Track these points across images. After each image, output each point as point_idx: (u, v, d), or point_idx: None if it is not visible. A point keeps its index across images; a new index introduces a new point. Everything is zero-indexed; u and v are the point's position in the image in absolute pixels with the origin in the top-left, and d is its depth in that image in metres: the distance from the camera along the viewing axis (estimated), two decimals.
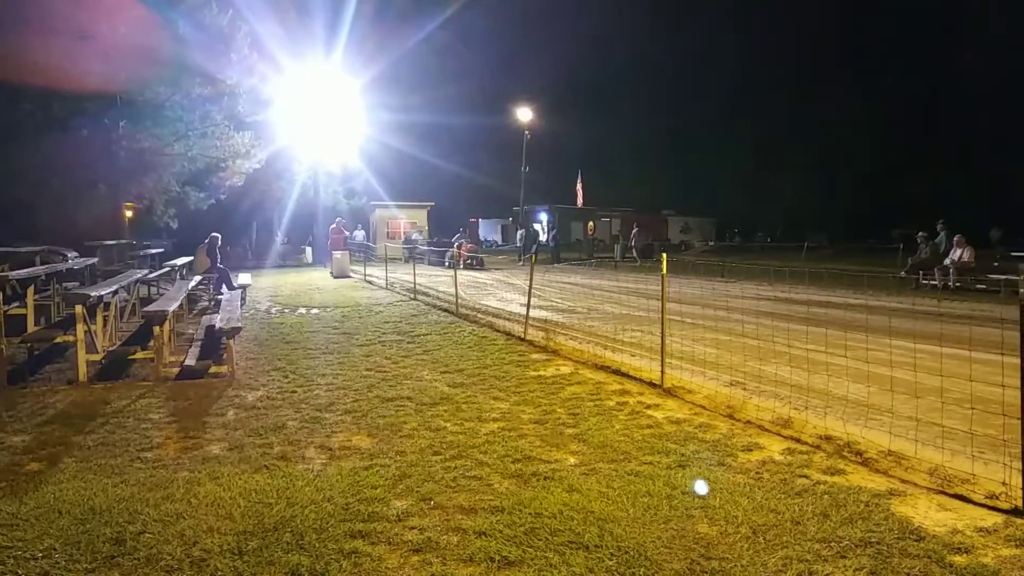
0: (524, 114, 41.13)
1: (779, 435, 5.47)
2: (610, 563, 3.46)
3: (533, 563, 3.47)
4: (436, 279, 20.34)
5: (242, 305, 13.11)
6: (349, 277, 23.26)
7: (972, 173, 40.84)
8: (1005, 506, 4.04)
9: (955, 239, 18.84)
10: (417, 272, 18.49)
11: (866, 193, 45.66)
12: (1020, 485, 4.00)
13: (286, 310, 14.10)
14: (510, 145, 42.78)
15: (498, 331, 10.82)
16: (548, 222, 40.42)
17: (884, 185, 45.51)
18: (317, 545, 3.68)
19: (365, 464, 4.92)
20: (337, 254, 24.75)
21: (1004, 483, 4.21)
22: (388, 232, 36.40)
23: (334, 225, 28.71)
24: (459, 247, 27.82)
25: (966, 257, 18.36)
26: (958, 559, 3.44)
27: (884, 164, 46.59)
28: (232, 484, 4.53)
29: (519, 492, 4.37)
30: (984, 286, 17.26)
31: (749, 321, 12.27)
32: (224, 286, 15.24)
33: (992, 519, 3.90)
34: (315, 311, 13.86)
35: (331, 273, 24.13)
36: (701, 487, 4.38)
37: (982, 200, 35.83)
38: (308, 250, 33.80)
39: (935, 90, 45.04)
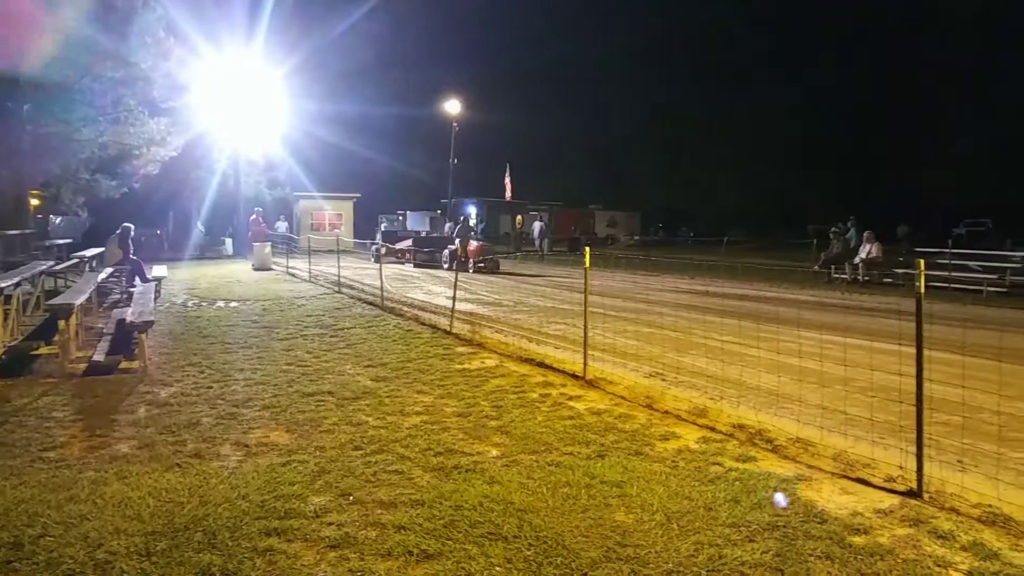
0: (452, 106, 40.87)
1: (695, 424, 5.63)
2: (528, 553, 3.49)
3: (452, 555, 3.47)
4: (363, 272, 20.04)
5: (156, 298, 12.62)
6: (271, 270, 22.69)
7: (882, 173, 42.87)
8: (901, 488, 4.26)
9: (864, 235, 19.72)
10: (406, 275, 18.17)
11: (784, 190, 47.33)
12: (915, 468, 4.23)
13: (203, 303, 13.65)
14: (438, 137, 42.52)
15: (424, 324, 10.76)
16: (476, 215, 40.38)
17: (801, 183, 47.25)
18: (230, 544, 3.58)
19: (283, 460, 4.82)
20: (258, 246, 24.10)
21: (901, 467, 4.45)
22: (313, 223, 35.67)
23: (253, 216, 27.92)
24: (463, 243, 22.82)
25: (874, 252, 19.23)
26: (857, 539, 3.62)
27: (801, 163, 48.40)
28: (141, 483, 4.37)
29: (440, 485, 4.36)
30: (890, 280, 18.14)
31: (670, 314, 12.58)
32: (137, 278, 14.63)
33: (889, 501, 4.11)
34: (234, 304, 13.47)
35: (252, 265, 23.48)
36: (780, 499, 4.09)
37: (890, 199, 37.64)
38: (228, 242, 32.79)
39: (852, 94, 47.06)
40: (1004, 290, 15.96)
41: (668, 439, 5.26)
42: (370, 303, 13.35)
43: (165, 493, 4.22)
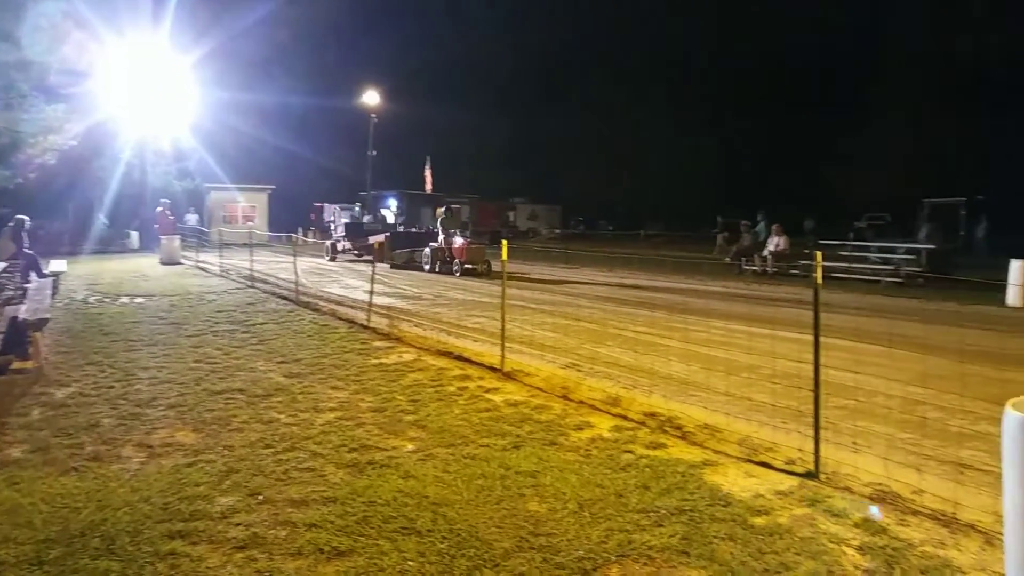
0: (371, 97, 40.31)
1: (609, 413, 5.74)
2: (441, 546, 3.49)
3: (364, 552, 3.43)
4: (277, 266, 19.53)
5: (54, 294, 11.96)
6: (180, 264, 21.85)
7: (791, 169, 44.53)
8: (800, 470, 4.46)
9: (773, 228, 20.51)
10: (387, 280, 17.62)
11: (699, 185, 48.68)
12: (813, 451, 4.43)
13: (106, 299, 13.03)
14: (357, 129, 41.83)
15: (340, 319, 10.58)
16: (397, 208, 39.92)
17: (715, 178, 48.69)
18: (130, 549, 3.44)
19: (188, 461, 4.65)
20: (166, 239, 23.15)
21: (800, 450, 4.65)
22: (225, 216, 34.53)
23: (160, 208, 26.82)
24: (447, 240, 19.34)
25: (782, 245, 20.02)
26: (758, 520, 3.77)
27: (715, 159, 49.85)
28: (33, 489, 4.15)
29: (353, 482, 4.31)
30: (796, 271, 18.93)
31: (588, 306, 12.77)
32: (32, 273, 13.83)
33: (789, 483, 4.30)
34: (140, 300, 12.91)
35: (160, 260, 22.54)
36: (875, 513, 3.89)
37: (798, 194, 39.20)
38: (134, 235, 31.36)
39: (762, 93, 48.69)
40: (900, 280, 16.86)
41: (582, 429, 5.34)
42: (285, 298, 13.03)
43: (60, 499, 4.02)
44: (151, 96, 28.47)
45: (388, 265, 20.89)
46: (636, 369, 7.25)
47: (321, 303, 12.29)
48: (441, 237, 19.62)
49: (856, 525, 3.70)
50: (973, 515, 3.74)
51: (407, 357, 7.89)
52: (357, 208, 28.80)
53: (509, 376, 6.96)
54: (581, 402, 6.07)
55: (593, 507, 3.94)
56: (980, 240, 27.39)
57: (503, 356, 7.23)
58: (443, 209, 21.84)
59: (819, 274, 4.52)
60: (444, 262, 19.22)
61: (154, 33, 28.06)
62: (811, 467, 4.41)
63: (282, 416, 5.67)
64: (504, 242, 7.81)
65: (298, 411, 5.81)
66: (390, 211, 37.72)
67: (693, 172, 48.64)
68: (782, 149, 46.10)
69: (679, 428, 5.31)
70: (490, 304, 12.29)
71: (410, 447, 4.97)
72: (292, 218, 36.94)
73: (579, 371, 7.32)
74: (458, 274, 18.35)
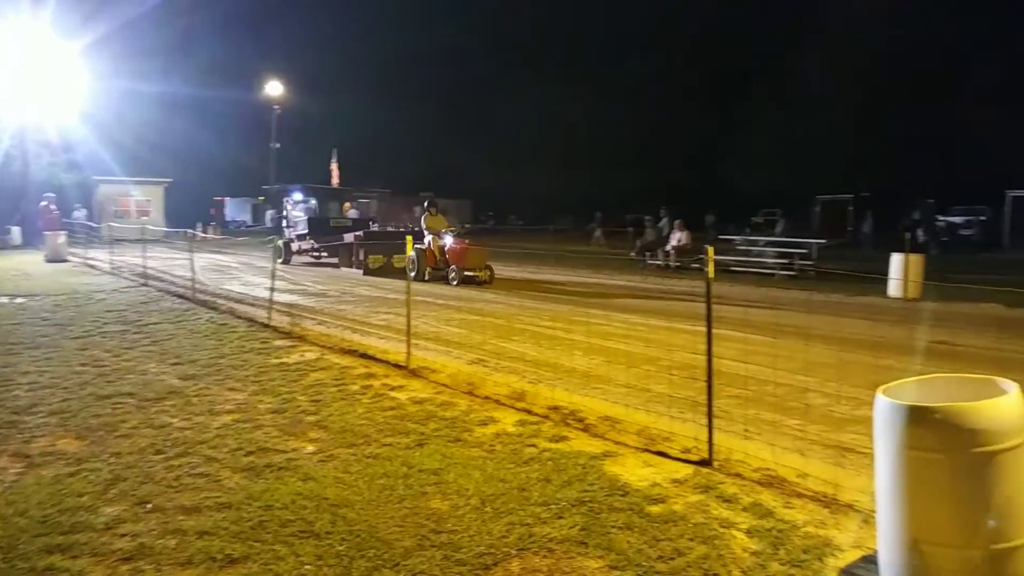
0: (274, 88, 39.14)
1: (514, 408, 5.78)
2: (340, 548, 3.43)
3: (259, 558, 3.33)
4: (173, 263, 18.68)
5: None
6: (66, 261, 20.64)
7: (692, 168, 46.04)
8: (695, 458, 4.62)
9: (675, 223, 21.15)
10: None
11: (606, 180, 49.65)
12: (707, 439, 4.60)
13: None
14: (261, 121, 40.54)
15: (240, 317, 10.24)
16: (303, 202, 38.95)
17: (621, 174, 49.75)
18: (2, 566, 3.22)
19: (71, 470, 4.40)
20: (51, 235, 21.80)
21: (695, 439, 4.81)
22: (117, 210, 32.81)
23: (44, 203, 25.24)
24: (437, 242, 16.18)
25: (684, 240, 20.67)
26: (654, 508, 3.88)
27: (621, 155, 50.93)
28: None
29: (250, 486, 4.17)
30: (698, 265, 19.58)
31: (495, 301, 12.84)
32: None
33: (684, 471, 4.44)
34: (20, 300, 12.11)
35: (44, 257, 21.21)
36: None
37: (700, 189, 40.55)
38: (15, 230, 29.39)
39: (666, 90, 50.01)
40: (793, 273, 17.71)
41: (487, 424, 5.36)
42: (180, 296, 12.50)
43: None
44: (33, 83, 26.72)
45: (360, 271, 18.04)
46: (541, 363, 7.34)
47: (219, 301, 11.86)
48: (428, 238, 16.25)
49: (745, 509, 3.86)
50: (852, 496, 3.96)
51: (309, 356, 7.71)
52: (313, 201, 24.68)
53: (415, 373, 6.90)
54: (487, 398, 6.09)
55: (495, 502, 3.96)
56: (866, 234, 29.11)
57: (409, 353, 7.17)
58: (347, 204, 21.05)
59: (711, 268, 4.68)
60: (435, 268, 16.10)
61: (35, 15, 26.34)
62: (705, 455, 4.57)
63: (175, 420, 5.44)
64: (409, 239, 7.74)
65: (192, 414, 5.58)
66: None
67: (602, 168, 49.58)
68: (686, 146, 47.58)
69: (581, 421, 5.41)
70: (397, 301, 12.14)
71: (310, 448, 4.86)
72: (192, 213, 35.51)
73: (485, 367, 7.34)
74: (455, 283, 15.23)
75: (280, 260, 20.43)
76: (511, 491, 4.11)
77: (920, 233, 26.62)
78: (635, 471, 4.44)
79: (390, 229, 20.85)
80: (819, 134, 38.86)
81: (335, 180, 36.33)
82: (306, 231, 21.55)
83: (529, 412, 5.66)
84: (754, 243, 20.76)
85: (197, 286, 12.79)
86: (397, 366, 7.14)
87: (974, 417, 2.79)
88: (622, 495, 4.05)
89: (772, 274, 17.97)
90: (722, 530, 3.63)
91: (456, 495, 4.06)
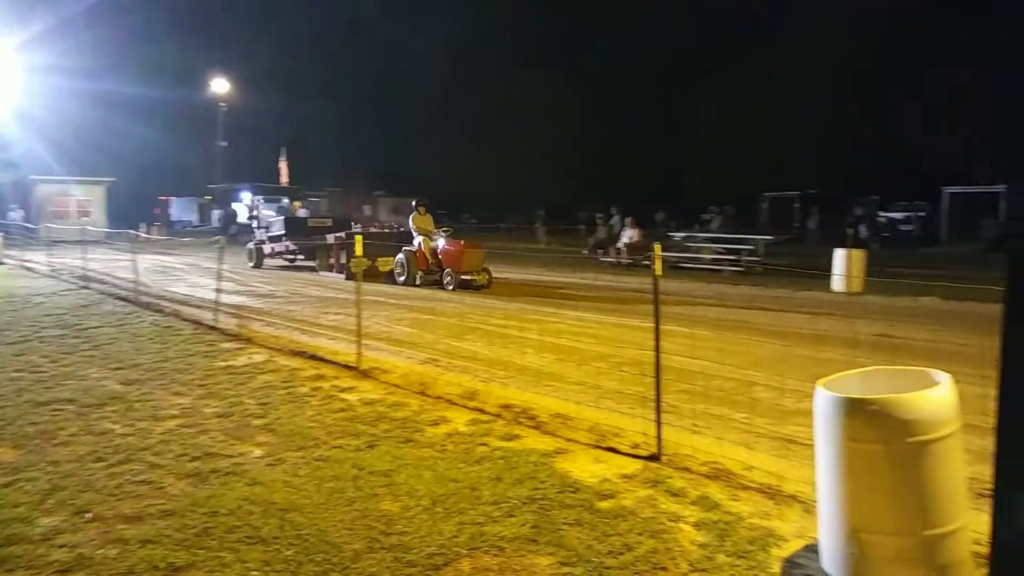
0: (220, 85, 38.40)
1: (466, 407, 5.77)
2: (288, 553, 3.38)
3: (203, 565, 3.26)
4: (116, 264, 18.14)
5: None
6: (3, 264, 19.90)
7: (644, 165, 46.49)
8: (644, 453, 4.68)
9: (626, 221, 21.36)
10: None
11: (559, 178, 49.83)
12: (655, 434, 4.65)
13: None
14: (208, 118, 39.67)
15: (185, 320, 10.00)
16: (251, 201, 38.26)
17: (575, 172, 49.97)
18: None
19: (6, 481, 4.24)
20: None
21: (645, 434, 4.87)
22: (56, 210, 31.75)
23: None
24: (428, 243, 14.96)
25: (635, 237, 20.88)
26: (604, 504, 3.92)
27: (575, 152, 51.11)
28: None
29: (194, 492, 4.08)
30: (649, 262, 19.80)
31: (447, 299, 12.81)
32: None
33: (634, 466, 4.49)
34: None
35: None
36: None
37: (651, 187, 40.99)
38: None
39: (615, 89, 50.42)
40: (741, 269, 18.05)
41: (439, 424, 5.34)
42: (123, 299, 12.15)
43: None
44: None
45: (338, 275, 16.70)
46: (494, 362, 7.34)
47: (164, 303, 11.56)
48: (418, 239, 15.05)
49: (693, 503, 3.92)
50: (796, 487, 4.05)
51: (257, 358, 7.57)
52: (286, 201, 23.27)
53: (366, 374, 6.84)
54: (439, 397, 6.07)
55: (446, 502, 3.95)
56: (812, 230, 29.81)
57: (359, 354, 7.10)
58: (297, 203, 20.41)
59: (658, 266, 4.75)
60: (427, 272, 14.89)
61: None
62: (655, 450, 4.63)
63: (116, 426, 5.28)
64: (359, 238, 7.66)
65: (135, 420, 5.44)
66: (243, 204, 35.94)
67: (554, 166, 49.75)
68: (638, 144, 48.04)
69: (533, 419, 5.42)
70: (348, 301, 12.01)
71: (258, 452, 4.78)
72: (135, 213, 34.56)
73: (437, 366, 7.31)
74: (452, 288, 13.99)
75: (252, 264, 19.86)
76: (462, 491, 4.10)
77: (863, 229, 27.43)
78: (586, 467, 4.47)
79: (373, 230, 18.85)
80: (767, 133, 39.69)
81: (284, 179, 35.75)
82: (282, 232, 19.73)
83: (481, 411, 5.65)
84: (692, 239, 21.10)
85: (140, 288, 12.46)
86: (347, 367, 7.06)
87: (908, 408, 2.88)
88: (573, 492, 4.08)
89: (720, 270, 18.28)
90: (670, 524, 3.68)
91: (407, 496, 4.03)
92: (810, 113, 38.73)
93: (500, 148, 50.74)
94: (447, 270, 14.32)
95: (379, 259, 15.85)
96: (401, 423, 5.36)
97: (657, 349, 4.71)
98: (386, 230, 18.13)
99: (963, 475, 3.04)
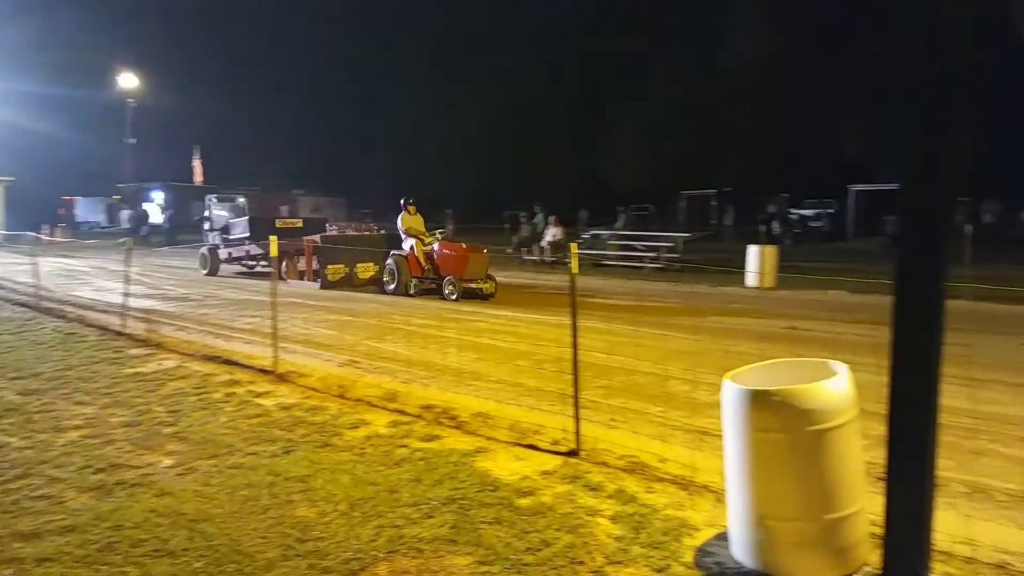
0: (128, 80, 36.86)
1: (386, 409, 5.70)
2: (198, 565, 3.27)
3: None
4: (15, 268, 17.17)
5: None
6: None
7: (568, 161, 46.87)
8: (564, 449, 4.73)
9: (550, 219, 21.55)
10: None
11: (485, 177, 49.80)
12: (574, 430, 4.71)
13: None
14: (115, 116, 38.00)
15: (90, 326, 9.54)
16: (164, 201, 36.83)
17: (500, 171, 50.01)
18: None
19: None
20: None
21: (564, 430, 4.92)
22: None
23: None
24: (416, 246, 13.20)
25: (558, 235, 21.09)
26: (523, 501, 3.94)
27: (500, 151, 51.14)
28: None
29: (98, 506, 3.90)
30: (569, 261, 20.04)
31: (370, 300, 12.66)
32: None
33: (553, 462, 4.54)
34: None
35: None
36: None
37: (574, 185, 41.43)
38: None
39: (536, 90, 50.63)
40: (660, 266, 18.47)
41: (358, 427, 5.26)
42: (23, 304, 11.52)
43: None
44: None
45: (307, 283, 14.89)
46: (415, 362, 7.29)
47: (68, 309, 11.00)
48: (409, 242, 13.30)
49: (610, 496, 3.99)
50: (708, 477, 4.16)
51: (168, 364, 7.30)
52: (241, 200, 20.79)
53: (283, 378, 6.68)
54: (358, 400, 5.98)
55: (365, 506, 3.90)
56: (728, 227, 30.79)
57: (276, 357, 6.92)
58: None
59: (575, 264, 4.81)
60: (422, 279, 13.12)
61: None
62: (574, 446, 4.68)
63: (13, 439, 5.00)
64: (273, 239, 7.47)
65: (34, 432, 5.15)
66: (155, 204, 34.56)
67: (479, 164, 49.70)
68: (562, 142, 48.47)
69: (454, 418, 5.41)
70: (265, 303, 11.72)
71: (168, 462, 4.60)
72: (37, 214, 32.76)
73: (357, 368, 7.21)
74: (454, 297, 12.20)
75: (205, 271, 17.59)
76: (381, 493, 4.06)
77: (775, 225, 28.48)
78: (506, 465, 4.49)
79: (351, 232, 16.44)
80: (685, 131, 40.65)
81: (198, 177, 34.58)
82: (246, 234, 17.22)
83: (402, 412, 5.60)
84: (599, 237, 21.49)
85: (42, 293, 11.82)
86: (263, 371, 6.88)
87: (808, 398, 3.00)
88: (492, 490, 4.09)
89: (641, 267, 18.66)
90: (588, 518, 3.73)
91: (324, 501, 3.96)
92: (728, 111, 39.94)
93: (418, 147, 50.29)
94: (448, 278, 12.48)
95: (359, 265, 14.47)
96: (319, 427, 5.26)
97: (575, 346, 4.77)
98: (366, 232, 16.07)
99: (861, 460, 3.19)
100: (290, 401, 5.96)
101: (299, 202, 48.42)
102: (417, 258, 13.12)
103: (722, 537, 3.43)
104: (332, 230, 16.27)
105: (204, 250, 18.16)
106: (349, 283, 14.42)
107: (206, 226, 18.85)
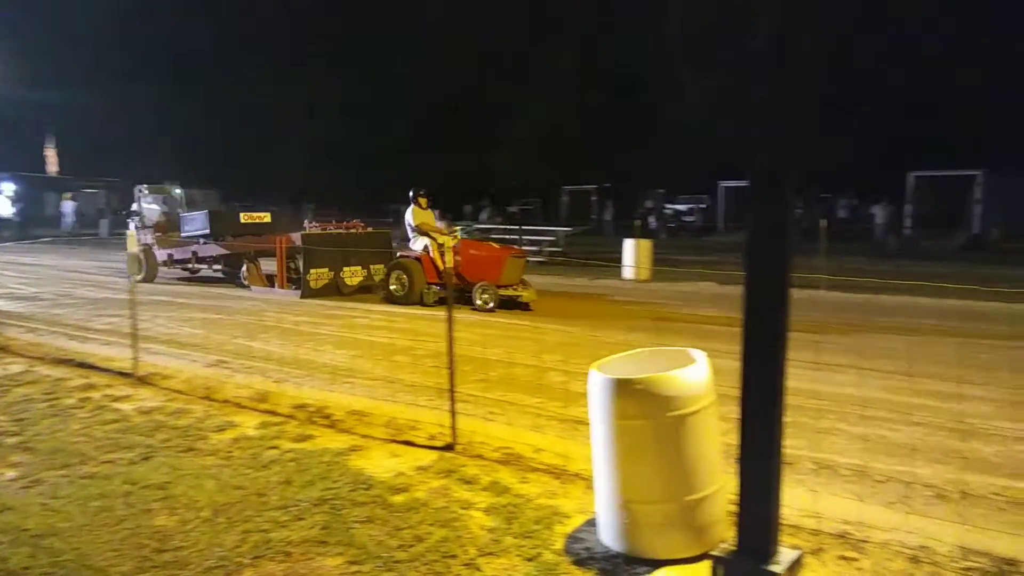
0: None
1: (256, 410, 5.50)
2: None
3: None
4: None
5: None
6: None
7: (455, 155, 46.67)
8: (440, 444, 4.71)
9: (435, 214, 21.42)
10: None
11: (367, 173, 48.80)
12: (450, 424, 4.71)
13: None
14: None
15: None
16: (14, 193, 33.91)
17: (384, 164, 49.11)
18: None
19: None
20: None
21: (441, 425, 4.91)
22: None
23: None
24: (432, 247, 11.06)
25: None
26: (398, 498, 3.90)
27: (383, 145, 50.24)
28: None
29: None
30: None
31: (241, 297, 12.18)
32: None
33: (429, 457, 4.51)
34: None
35: None
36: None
37: (461, 179, 41.32)
38: None
39: (418, 88, 50.08)
40: (543, 260, 18.77)
41: (225, 429, 5.04)
42: None
43: None
44: None
45: (294, 293, 12.14)
46: (289, 361, 7.06)
47: None
48: (421, 242, 11.18)
49: (485, 489, 4.01)
50: (581, 465, 4.25)
51: (14, 369, 6.73)
52: (178, 191, 17.33)
53: (143, 381, 6.30)
54: (226, 401, 5.73)
55: (230, 512, 3.74)
56: (608, 221, 31.68)
57: (135, 359, 6.52)
58: (69, 195, 16.92)
59: (450, 258, 4.80)
60: (442, 286, 10.52)
61: None
62: (450, 440, 4.68)
63: None
64: (130, 233, 7.04)
65: None
66: (2, 196, 31.72)
67: (362, 158, 48.70)
68: (449, 136, 48.14)
69: (328, 417, 5.28)
70: (128, 301, 11.05)
71: (11, 474, 4.25)
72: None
73: (227, 368, 6.90)
74: (490, 307, 10.23)
75: (138, 277, 12.62)
76: (248, 498, 3.90)
77: (652, 220, 29.58)
78: (381, 463, 4.43)
79: (333, 231, 13.23)
80: (572, 127, 41.33)
81: (52, 167, 32.06)
82: (204, 231, 13.87)
83: (273, 413, 5.42)
84: (467, 230, 21.68)
85: None
86: (122, 374, 6.47)
87: (668, 385, 3.12)
88: (366, 488, 4.02)
89: (526, 260, 18.87)
90: (462, 511, 3.74)
91: (185, 509, 3.77)
92: (604, 108, 41.00)
93: (287, 139, 48.50)
94: (481, 284, 10.39)
95: (346, 269, 12.15)
96: (182, 431, 5.00)
97: (450, 340, 4.76)
98: (354, 231, 13.30)
99: (718, 443, 3.35)
100: (151, 405, 5.64)
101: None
102: (433, 260, 10.90)
103: (592, 523, 3.52)
104: (313, 227, 13.64)
105: (136, 251, 13.68)
106: (336, 291, 12.09)
107: (134, 223, 15.36)
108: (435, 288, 10.79)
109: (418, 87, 45.56)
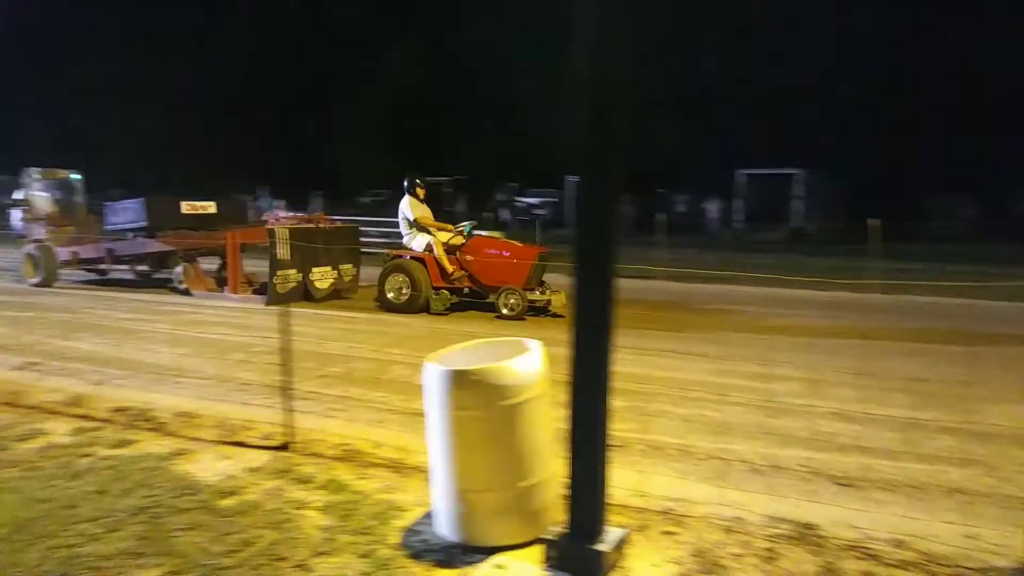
0: None
1: (68, 415, 5.04)
2: None
3: None
4: None
5: None
6: None
7: (302, 146, 44.97)
8: (275, 444, 4.53)
9: (276, 204, 20.63)
10: None
11: (216, 164, 46.01)
12: (287, 423, 4.53)
13: None
14: None
15: None
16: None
17: (232, 156, 46.38)
18: None
19: None
20: None
21: (277, 424, 4.71)
22: None
23: None
24: (436, 246, 9.44)
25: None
26: (226, 502, 3.70)
27: (230, 137, 47.48)
28: None
29: None
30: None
31: (57, 292, 11.17)
32: None
33: (263, 458, 4.32)
34: None
35: None
36: None
37: (308, 169, 39.94)
38: None
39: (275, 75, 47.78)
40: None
41: (31, 438, 4.59)
42: None
43: None
44: None
45: (257, 299, 10.01)
46: (111, 361, 6.55)
47: None
48: (423, 240, 9.54)
49: (321, 487, 3.89)
50: (420, 458, 4.20)
51: None
52: (75, 177, 13.41)
53: None
54: (34, 407, 5.22)
55: (33, 527, 3.40)
56: (462, 214, 31.84)
57: None
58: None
59: (285, 250, 4.61)
60: (453, 290, 9.47)
61: None
62: (286, 439, 4.51)
63: None
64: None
65: None
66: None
67: (216, 150, 45.78)
68: (292, 129, 46.32)
69: (151, 420, 4.94)
70: None
71: None
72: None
73: (37, 371, 6.28)
74: (516, 313, 8.92)
75: (35, 280, 11.65)
76: (56, 511, 3.57)
77: (503, 212, 30.02)
78: (209, 466, 4.19)
79: (307, 225, 10.55)
80: (422, 117, 40.97)
81: None
82: (139, 223, 11.51)
83: (88, 418, 4.99)
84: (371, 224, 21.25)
85: None
86: None
87: (501, 376, 3.15)
88: (192, 494, 3.79)
89: (374, 253, 18.59)
90: (295, 512, 3.61)
91: None
92: (461, 101, 41.06)
93: (187, 130, 44.84)
94: (507, 287, 9.01)
95: (315, 270, 10.01)
96: None
97: (287, 334, 4.59)
98: (320, 225, 11.00)
99: (552, 430, 3.43)
100: None
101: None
102: (438, 260, 9.42)
103: (430, 516, 3.51)
104: (271, 219, 11.61)
105: (31, 249, 11.99)
106: (307, 296, 9.92)
107: (20, 215, 12.78)
108: (444, 293, 9.36)
109: (270, 71, 43.37)
